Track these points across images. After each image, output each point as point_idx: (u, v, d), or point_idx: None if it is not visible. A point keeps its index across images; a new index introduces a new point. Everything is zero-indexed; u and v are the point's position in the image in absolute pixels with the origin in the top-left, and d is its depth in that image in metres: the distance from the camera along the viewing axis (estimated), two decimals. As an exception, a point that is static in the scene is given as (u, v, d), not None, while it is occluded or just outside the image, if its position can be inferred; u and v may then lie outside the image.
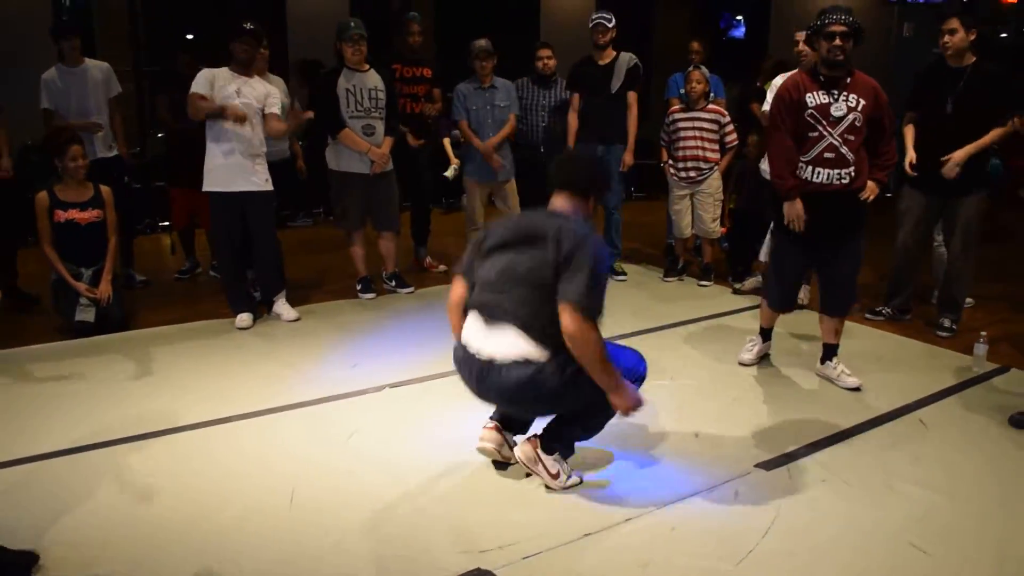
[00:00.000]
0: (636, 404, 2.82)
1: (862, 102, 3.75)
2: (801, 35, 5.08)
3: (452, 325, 3.04)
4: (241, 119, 4.60)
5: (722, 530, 2.72)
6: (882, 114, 3.81)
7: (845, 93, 3.76)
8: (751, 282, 5.72)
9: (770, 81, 5.45)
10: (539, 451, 2.98)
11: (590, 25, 5.83)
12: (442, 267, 6.25)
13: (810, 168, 3.83)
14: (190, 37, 9.08)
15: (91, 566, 2.50)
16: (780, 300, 4.24)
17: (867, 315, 5.11)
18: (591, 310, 2.67)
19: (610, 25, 5.77)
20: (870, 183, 3.84)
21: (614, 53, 5.86)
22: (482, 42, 5.84)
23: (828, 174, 3.81)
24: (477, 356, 2.84)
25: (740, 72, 8.44)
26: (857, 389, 3.95)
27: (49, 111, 5.42)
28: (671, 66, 7.78)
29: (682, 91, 6.07)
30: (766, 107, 5.29)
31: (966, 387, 4.03)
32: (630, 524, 2.75)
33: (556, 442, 3.00)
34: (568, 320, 2.64)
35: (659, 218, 6.76)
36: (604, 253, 2.87)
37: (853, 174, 3.80)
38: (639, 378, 3.05)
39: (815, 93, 3.79)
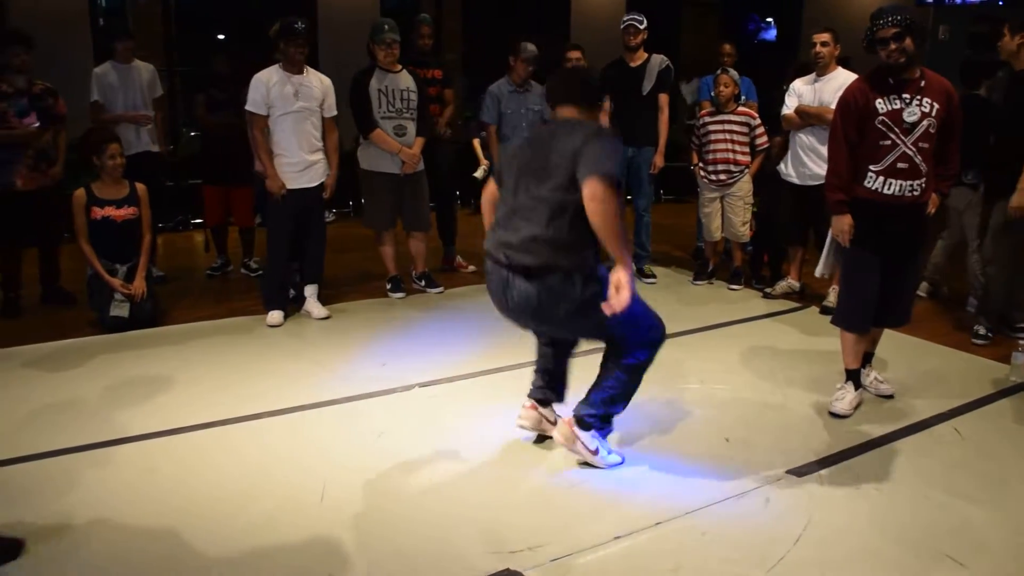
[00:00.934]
0: (627, 284, 2.77)
1: (936, 106, 3.47)
2: (820, 37, 5.05)
3: (485, 221, 3.26)
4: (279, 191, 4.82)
5: (753, 536, 2.70)
6: (953, 119, 3.55)
7: (918, 97, 3.47)
8: (781, 286, 5.68)
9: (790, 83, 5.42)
10: (575, 429, 3.07)
11: (622, 27, 5.83)
12: (471, 267, 6.26)
13: (881, 179, 3.54)
14: (221, 37, 9.19)
15: (121, 560, 2.53)
16: (858, 321, 3.77)
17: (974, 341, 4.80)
18: (609, 176, 2.75)
19: (642, 27, 5.75)
20: (933, 196, 3.64)
21: (645, 55, 5.85)
22: (532, 46, 5.83)
23: (900, 185, 3.52)
24: (499, 261, 2.94)
25: (771, 75, 8.39)
26: (891, 396, 3.89)
27: (99, 104, 5.65)
28: (700, 69, 7.76)
29: (713, 94, 6.04)
30: (786, 110, 5.26)
31: (1003, 396, 3.96)
32: (660, 528, 2.73)
33: (590, 414, 3.08)
34: (589, 189, 2.74)
35: (689, 221, 6.74)
36: (614, 145, 2.90)
37: (924, 185, 3.55)
38: (653, 342, 3.10)
39: (885, 98, 3.49)
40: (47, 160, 5.13)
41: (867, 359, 3.99)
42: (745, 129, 5.70)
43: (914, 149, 3.49)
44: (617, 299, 2.72)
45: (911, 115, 3.47)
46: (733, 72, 5.73)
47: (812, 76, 5.19)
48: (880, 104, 3.51)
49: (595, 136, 2.85)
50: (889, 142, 3.52)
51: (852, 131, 3.57)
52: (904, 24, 3.39)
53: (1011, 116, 4.50)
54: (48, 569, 2.48)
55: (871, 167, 3.55)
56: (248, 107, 4.76)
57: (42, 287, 5.32)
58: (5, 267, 5.10)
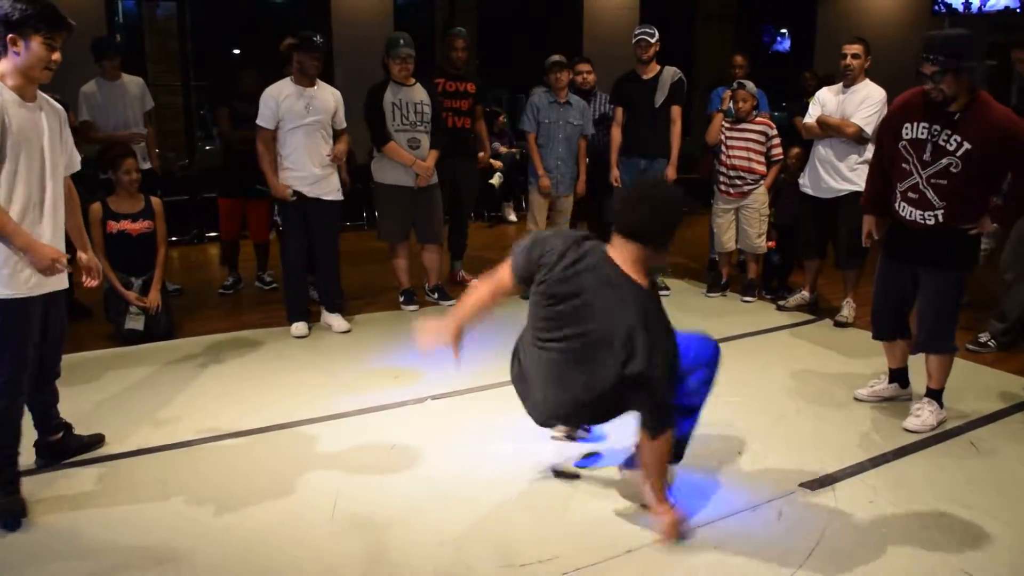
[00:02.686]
0: (679, 525, 2.73)
1: (966, 147, 3.31)
2: (851, 48, 5.02)
3: (465, 305, 2.93)
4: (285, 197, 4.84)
5: (765, 550, 2.68)
6: (1005, 161, 3.34)
7: (948, 132, 3.35)
8: (795, 299, 5.65)
9: (813, 95, 5.41)
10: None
11: (633, 40, 5.83)
12: (475, 281, 6.26)
13: (899, 199, 3.58)
14: (237, 52, 9.28)
15: (129, 571, 2.54)
16: (877, 325, 3.87)
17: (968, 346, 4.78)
18: (662, 426, 2.63)
19: (653, 40, 5.75)
20: (985, 220, 3.46)
21: (658, 67, 5.85)
22: (556, 56, 5.88)
23: (911, 212, 3.53)
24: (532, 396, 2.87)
25: (785, 86, 8.38)
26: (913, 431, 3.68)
27: (88, 123, 5.65)
28: (714, 80, 7.76)
29: (719, 109, 6.04)
30: (807, 119, 5.25)
31: (1019, 410, 3.92)
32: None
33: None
34: (643, 439, 2.68)
35: (702, 233, 6.72)
36: (680, 348, 2.67)
37: (942, 217, 3.44)
38: (707, 363, 2.88)
39: (915, 124, 3.44)
40: None
41: (895, 377, 3.96)
42: (762, 139, 5.69)
43: (925, 183, 3.45)
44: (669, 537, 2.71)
45: (932, 149, 3.40)
46: (750, 86, 5.70)
47: (839, 87, 5.17)
48: (907, 130, 3.48)
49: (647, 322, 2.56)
50: (907, 167, 3.51)
51: (885, 146, 3.59)
52: (945, 64, 3.25)
53: None
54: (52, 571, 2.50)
55: (897, 185, 3.58)
56: (258, 121, 4.79)
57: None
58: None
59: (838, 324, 5.25)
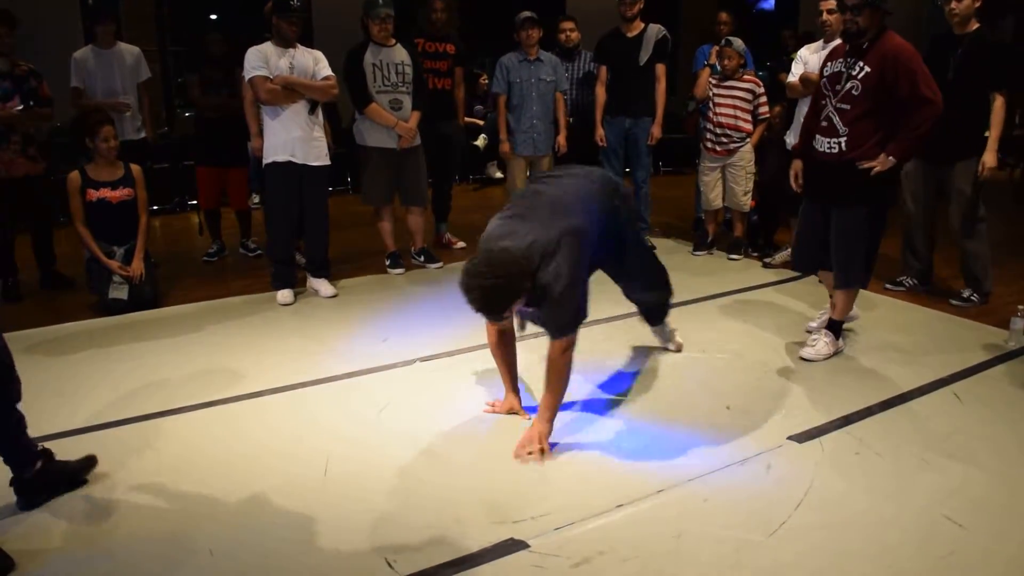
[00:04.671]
0: (542, 440, 3.00)
1: (866, 70, 3.64)
2: (827, 4, 4.99)
3: (502, 372, 3.36)
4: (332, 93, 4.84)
5: (755, 502, 2.71)
6: (898, 83, 3.60)
7: (854, 59, 3.69)
8: (781, 256, 5.67)
9: (796, 52, 5.38)
10: None
11: (617, -4, 5.77)
12: (461, 244, 6.26)
13: (815, 134, 3.88)
14: (214, 17, 9.12)
15: (122, 538, 2.55)
16: (795, 259, 4.30)
17: (887, 285, 5.06)
18: (565, 331, 2.96)
19: (637, -4, 5.70)
20: (881, 156, 3.67)
21: (642, 25, 5.80)
22: (526, 12, 5.79)
23: (820, 141, 3.83)
24: None
25: (769, 45, 8.33)
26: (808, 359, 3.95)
27: (78, 89, 5.54)
28: (698, 39, 7.70)
29: (707, 63, 6.00)
30: (791, 78, 5.23)
31: (1001, 362, 3.97)
32: (663, 495, 2.75)
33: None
34: (550, 348, 2.98)
35: (687, 192, 6.72)
36: (577, 260, 2.89)
37: (844, 145, 3.73)
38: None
39: (835, 62, 3.79)
40: (34, 144, 5.10)
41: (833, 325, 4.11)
42: (749, 96, 5.67)
43: (833, 108, 3.76)
44: (535, 452, 2.96)
45: (844, 78, 3.72)
46: (738, 43, 5.64)
47: (819, 44, 5.14)
48: (828, 67, 3.84)
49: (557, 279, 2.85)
50: (824, 101, 3.84)
51: (816, 92, 3.95)
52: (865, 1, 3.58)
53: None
54: (47, 548, 2.50)
55: (818, 122, 3.88)
56: (252, 72, 4.64)
57: (40, 272, 5.31)
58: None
59: (823, 281, 5.26)
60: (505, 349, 3.29)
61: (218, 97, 5.65)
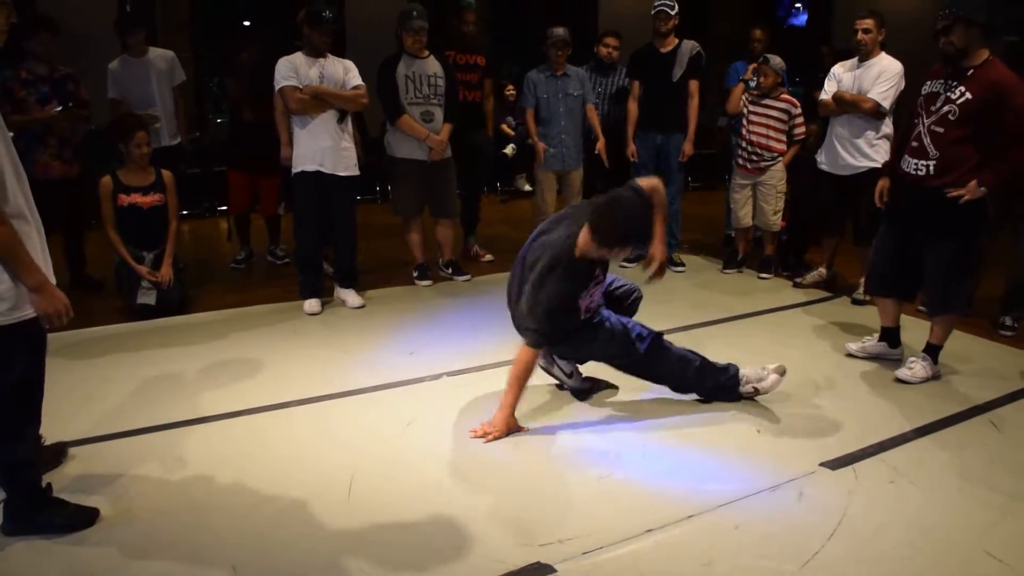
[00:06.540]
0: (500, 432, 3.27)
1: (967, 96, 3.58)
2: (863, 23, 4.91)
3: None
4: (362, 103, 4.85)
5: (786, 531, 2.65)
6: (1003, 115, 3.54)
7: (956, 83, 3.63)
8: (812, 276, 5.60)
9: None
10: None
11: (652, 12, 5.73)
12: (488, 256, 6.23)
13: (905, 153, 3.83)
14: (247, 24, 9.18)
15: (145, 553, 2.53)
16: (869, 281, 4.20)
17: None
18: (526, 341, 3.31)
19: (673, 12, 5.66)
20: (971, 184, 3.58)
21: (676, 41, 5.76)
22: (560, 31, 5.76)
23: (909, 161, 3.78)
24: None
25: (800, 60, 8.24)
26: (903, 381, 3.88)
27: (116, 100, 5.59)
28: (728, 54, 7.64)
29: (742, 79, 5.94)
30: (823, 95, 5.16)
31: (1040, 389, 3.88)
32: (693, 521, 2.70)
33: None
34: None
35: (718, 209, 6.66)
36: (558, 289, 3.20)
37: (933, 169, 3.68)
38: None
39: (934, 81, 3.74)
40: (69, 147, 5.14)
41: (885, 336, 4.11)
42: (785, 116, 5.60)
43: (926, 131, 3.70)
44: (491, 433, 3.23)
45: (940, 100, 3.66)
46: (776, 61, 5.57)
47: (853, 62, 5.06)
48: (926, 87, 3.78)
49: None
50: (917, 120, 3.78)
51: (911, 109, 3.87)
52: (952, 18, 3.58)
53: None
54: (71, 554, 2.49)
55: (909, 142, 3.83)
56: (282, 83, 4.65)
57: (70, 274, 5.35)
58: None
59: (855, 302, 5.19)
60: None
61: (258, 103, 5.59)
